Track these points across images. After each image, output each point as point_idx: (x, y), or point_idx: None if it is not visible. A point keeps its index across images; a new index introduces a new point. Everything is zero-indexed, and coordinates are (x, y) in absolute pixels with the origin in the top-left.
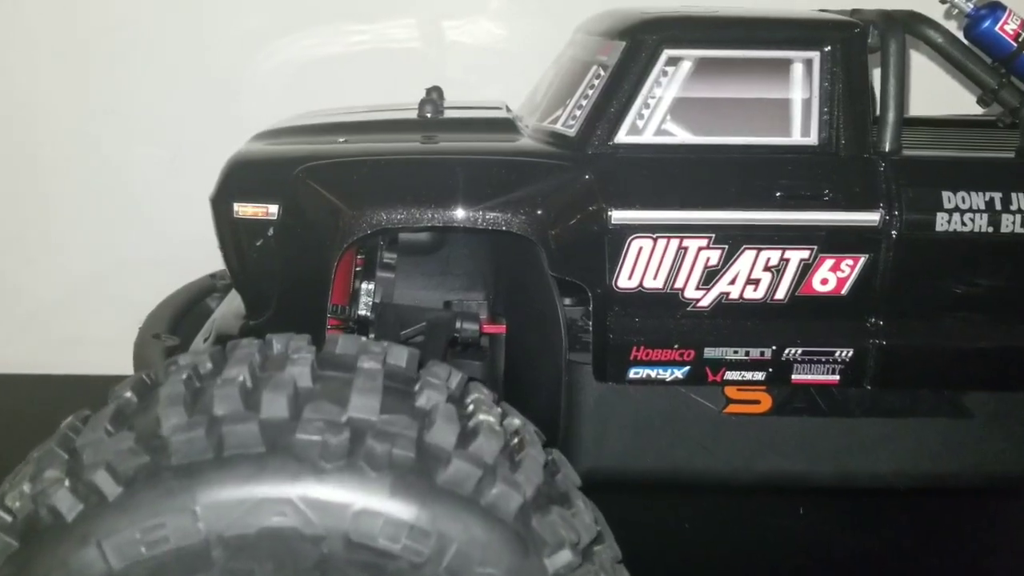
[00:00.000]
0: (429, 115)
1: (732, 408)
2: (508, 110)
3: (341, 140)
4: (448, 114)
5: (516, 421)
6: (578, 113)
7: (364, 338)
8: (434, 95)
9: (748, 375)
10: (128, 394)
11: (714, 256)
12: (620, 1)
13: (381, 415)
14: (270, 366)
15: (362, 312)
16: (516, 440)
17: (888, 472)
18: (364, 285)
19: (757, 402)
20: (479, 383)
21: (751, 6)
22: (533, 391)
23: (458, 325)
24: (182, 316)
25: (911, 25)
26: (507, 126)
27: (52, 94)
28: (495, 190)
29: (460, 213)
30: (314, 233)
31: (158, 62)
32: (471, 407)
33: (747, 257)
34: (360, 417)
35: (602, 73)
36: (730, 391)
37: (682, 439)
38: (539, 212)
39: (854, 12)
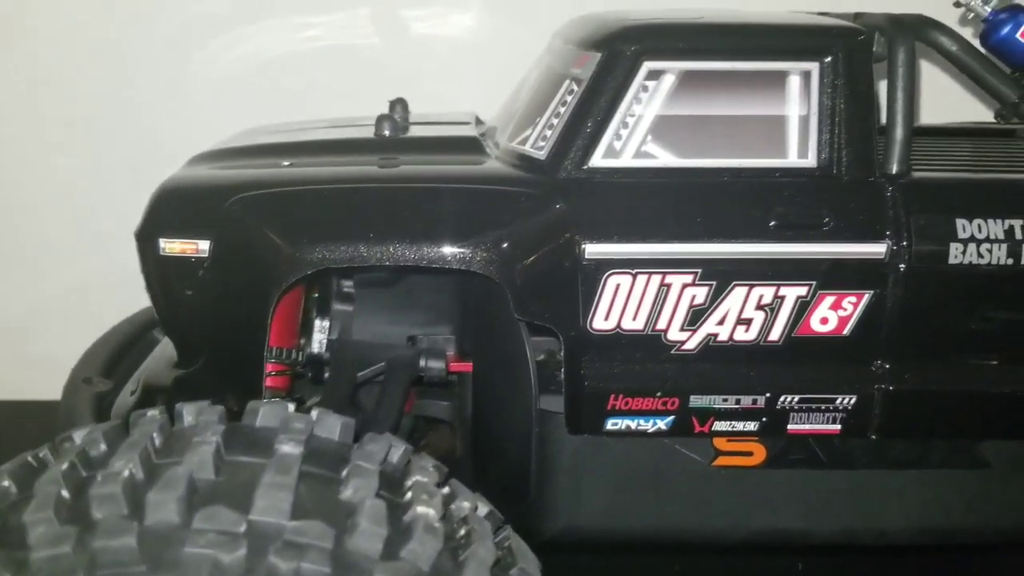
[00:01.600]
0: (387, 133)
1: (722, 461)
2: (478, 123)
3: (286, 164)
4: (412, 130)
5: (465, 505)
6: (549, 133)
7: (291, 406)
8: (397, 109)
9: (739, 425)
10: (6, 483)
11: (700, 294)
12: (603, 4)
13: (292, 519)
14: (172, 448)
15: (316, 350)
16: (462, 532)
17: (896, 528)
18: (318, 321)
19: (750, 454)
20: (424, 456)
21: (745, 10)
22: (502, 441)
23: (422, 363)
24: (122, 353)
25: (921, 31)
26: (472, 146)
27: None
28: (450, 224)
29: (410, 251)
30: (248, 273)
31: (112, 73)
32: (409, 494)
33: (737, 295)
34: (265, 522)
35: (576, 88)
36: (720, 442)
37: (668, 495)
38: (502, 247)
39: (857, 17)
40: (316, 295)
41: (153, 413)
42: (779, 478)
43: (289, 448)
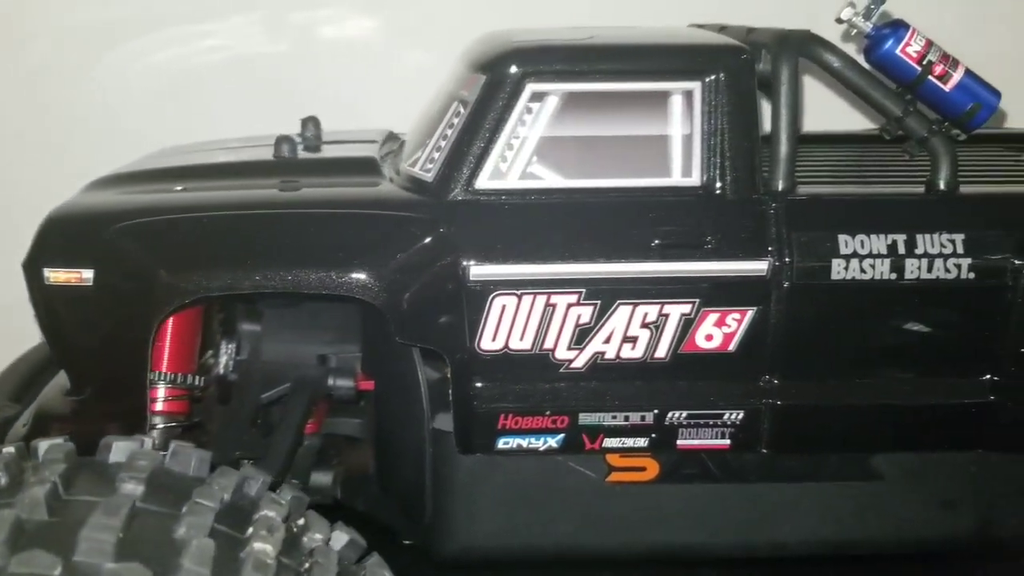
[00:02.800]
0: (286, 154)
1: (616, 477)
2: (391, 139)
3: (178, 189)
4: (317, 150)
5: (317, 537)
6: (436, 155)
7: (145, 440)
8: (309, 126)
9: (629, 442)
10: None
11: (586, 313)
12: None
13: (116, 560)
14: (9, 489)
15: (221, 372)
16: (306, 566)
17: (793, 541)
18: (224, 342)
19: (643, 469)
20: (288, 488)
21: (642, 29)
22: (399, 460)
23: (331, 382)
24: (34, 379)
25: (806, 48)
26: (368, 168)
27: None
28: (326, 250)
29: (286, 278)
30: (129, 301)
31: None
32: (250, 529)
33: (622, 313)
34: (86, 563)
35: (462, 110)
36: (613, 459)
37: (563, 512)
38: (380, 272)
39: (750, 32)
40: (221, 316)
41: (9, 450)
42: (673, 493)
43: (129, 486)
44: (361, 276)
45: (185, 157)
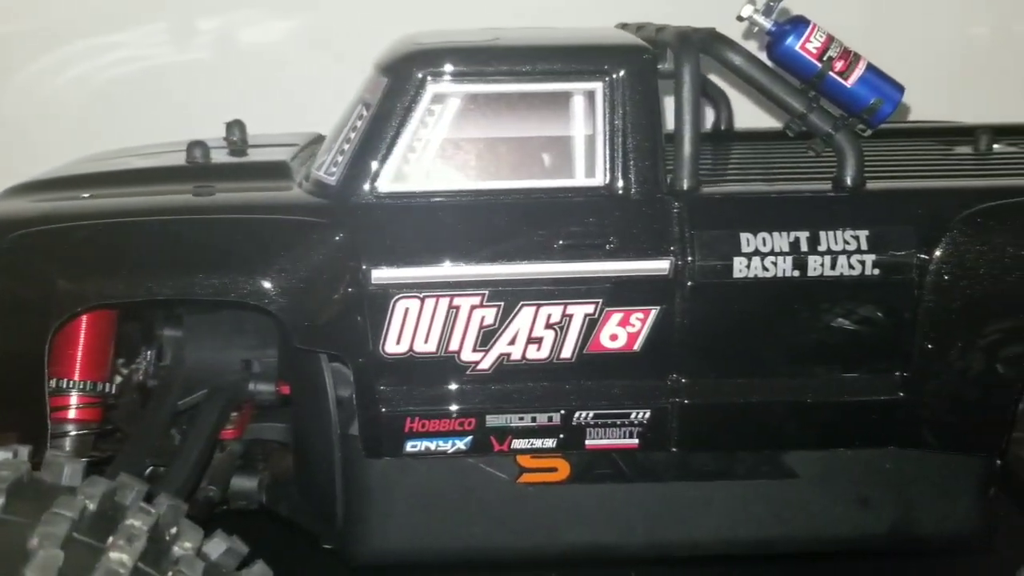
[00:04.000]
0: (199, 159)
1: (527, 477)
2: (317, 142)
3: (85, 196)
4: (248, 154)
5: (187, 546)
6: (340, 159)
7: (19, 450)
8: (235, 131)
9: (538, 442)
10: None
11: (489, 315)
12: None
13: None
14: None
15: (140, 378)
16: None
17: (707, 539)
18: (144, 348)
19: (554, 470)
20: (169, 497)
21: (551, 29)
22: (311, 464)
23: (251, 387)
24: None
25: (708, 46)
26: (278, 172)
27: None
28: (223, 255)
29: (182, 284)
30: (26, 309)
31: None
32: (110, 539)
33: (526, 314)
34: None
35: (365, 113)
36: (523, 460)
37: (476, 514)
38: (277, 278)
39: (659, 31)
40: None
41: None
42: (586, 493)
43: None
44: (255, 282)
45: (101, 164)
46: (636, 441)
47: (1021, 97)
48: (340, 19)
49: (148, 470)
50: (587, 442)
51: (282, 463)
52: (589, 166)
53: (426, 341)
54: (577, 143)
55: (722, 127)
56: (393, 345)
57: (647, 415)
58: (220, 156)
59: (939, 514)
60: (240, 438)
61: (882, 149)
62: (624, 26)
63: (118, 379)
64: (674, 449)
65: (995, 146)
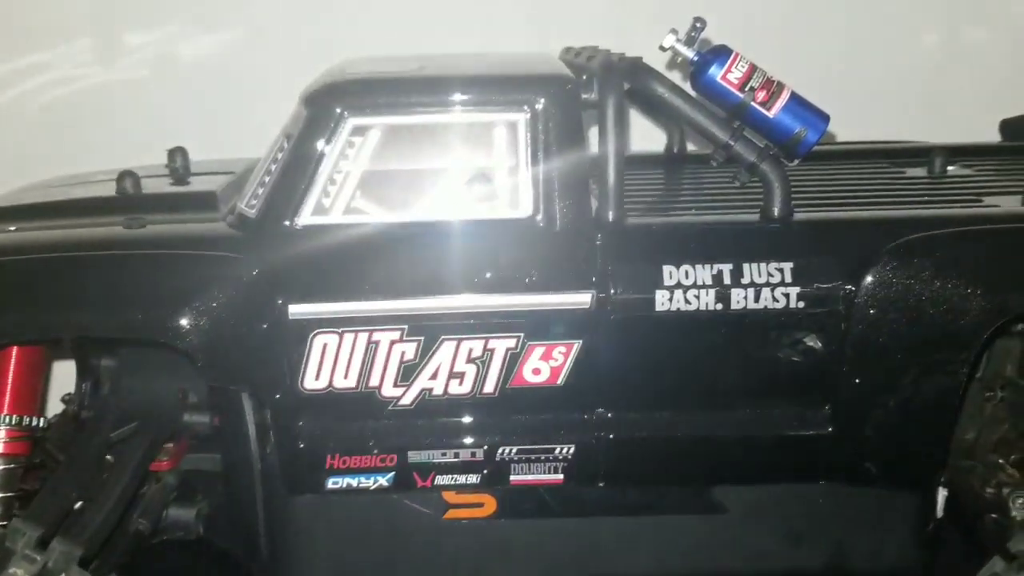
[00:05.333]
0: (129, 190)
1: (453, 513)
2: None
3: (12, 229)
4: (191, 183)
5: None
6: (260, 191)
7: None
8: (177, 157)
9: (461, 478)
10: None
11: (410, 349)
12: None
13: None
14: None
15: (76, 409)
16: None
17: (637, 575)
18: (79, 380)
19: (480, 505)
20: (63, 541)
21: (480, 56)
22: (236, 499)
23: (187, 417)
24: None
25: (633, 76)
26: (205, 204)
27: None
28: (134, 293)
29: (93, 321)
30: None
31: None
32: None
33: (447, 349)
34: None
35: (286, 145)
36: (449, 495)
37: (402, 550)
38: (189, 315)
39: (590, 59)
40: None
41: None
42: (512, 528)
43: None
44: (165, 319)
45: (34, 194)
46: (561, 476)
47: (976, 107)
48: (284, 31)
49: (79, 503)
50: (512, 478)
51: (219, 494)
52: (512, 198)
53: (346, 377)
54: (501, 174)
55: (675, 149)
56: (312, 381)
57: (572, 450)
58: (153, 185)
59: (875, 549)
60: (175, 469)
61: (831, 173)
62: (568, 50)
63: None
64: (601, 484)
65: (950, 168)
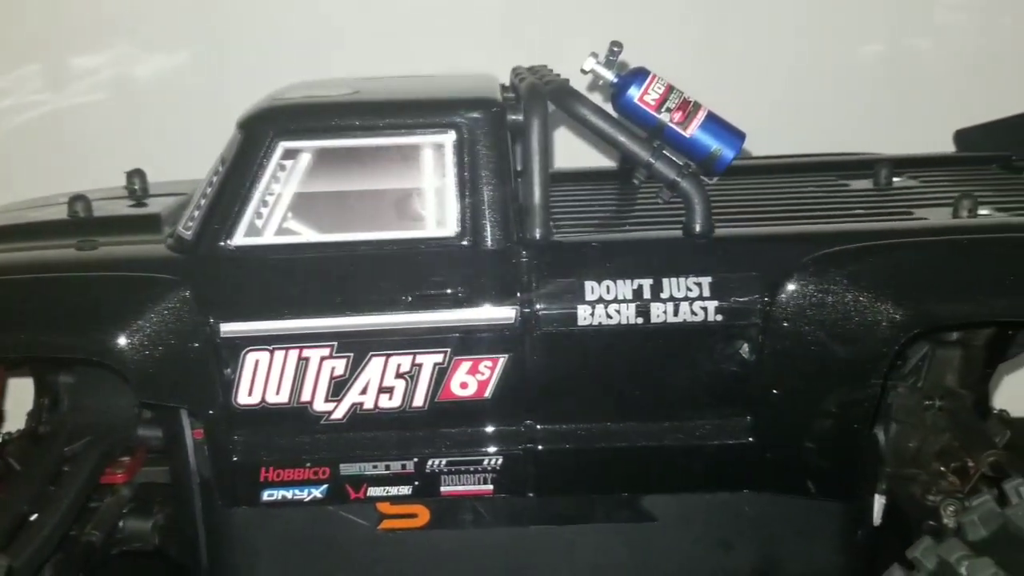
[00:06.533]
0: (80, 213)
1: (388, 524)
2: None
3: None
4: (152, 201)
5: None
6: (196, 214)
7: None
8: (135, 180)
9: (393, 490)
10: None
11: (339, 366)
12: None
13: None
14: None
15: (33, 425)
16: None
17: None
18: (36, 396)
19: (414, 516)
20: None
21: (416, 79)
22: (178, 511)
23: (140, 432)
24: None
25: (557, 99)
26: (148, 226)
27: None
28: (70, 312)
29: (32, 341)
30: None
31: None
32: None
33: (376, 364)
34: None
35: (220, 169)
36: (383, 507)
37: (338, 561)
38: (123, 335)
39: (521, 81)
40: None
41: None
42: (446, 538)
43: None
44: (100, 339)
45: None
46: (491, 487)
47: (918, 114)
48: (238, 52)
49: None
50: (442, 489)
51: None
52: (440, 217)
53: (278, 392)
54: (428, 195)
55: (627, 165)
56: (245, 397)
57: (501, 462)
58: (105, 208)
59: (803, 557)
60: (130, 482)
61: (774, 186)
62: (517, 70)
63: None
64: (531, 494)
65: (895, 180)
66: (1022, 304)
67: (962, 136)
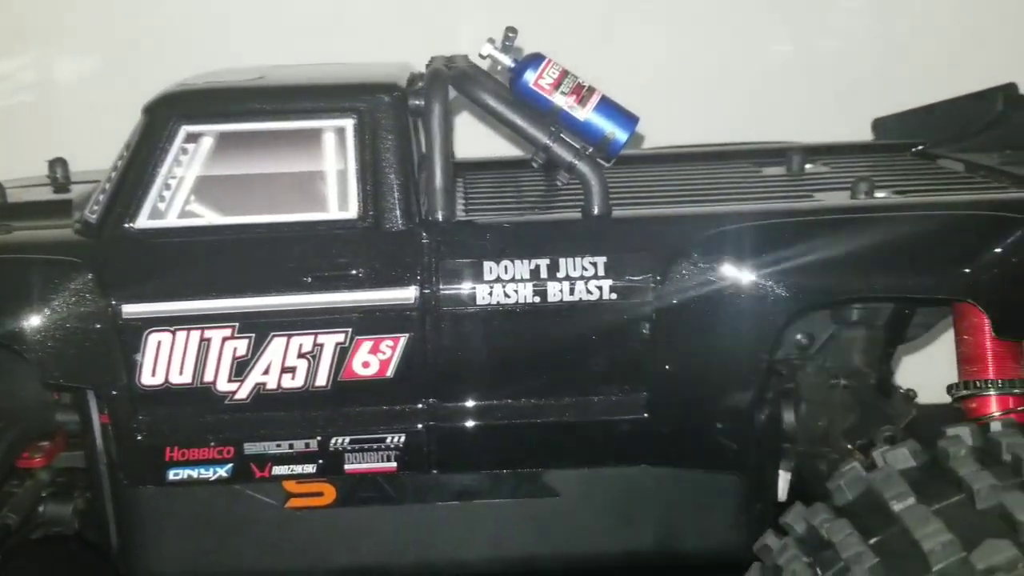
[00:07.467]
0: None
1: (294, 502)
2: None
3: None
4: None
5: None
6: (102, 198)
7: None
8: (57, 168)
9: (298, 468)
10: None
11: (241, 346)
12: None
13: None
14: None
15: None
16: None
17: (475, 559)
18: None
19: (320, 494)
20: None
21: (324, 66)
22: (91, 492)
23: (59, 417)
24: None
25: (457, 84)
26: (59, 211)
27: None
28: None
29: None
30: None
31: None
32: None
33: (277, 345)
34: None
35: (125, 153)
36: (289, 485)
37: (246, 539)
38: (24, 317)
39: (427, 66)
40: None
41: None
42: (353, 516)
43: None
44: (4, 321)
45: None
46: (394, 464)
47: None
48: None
49: None
50: (346, 467)
51: None
52: (342, 200)
53: (181, 373)
54: (330, 178)
55: None
56: (149, 377)
57: (403, 439)
58: (20, 195)
59: (702, 530)
60: (49, 466)
61: (689, 173)
62: (433, 59)
63: None
64: (434, 471)
65: (808, 166)
66: (902, 280)
67: (879, 125)
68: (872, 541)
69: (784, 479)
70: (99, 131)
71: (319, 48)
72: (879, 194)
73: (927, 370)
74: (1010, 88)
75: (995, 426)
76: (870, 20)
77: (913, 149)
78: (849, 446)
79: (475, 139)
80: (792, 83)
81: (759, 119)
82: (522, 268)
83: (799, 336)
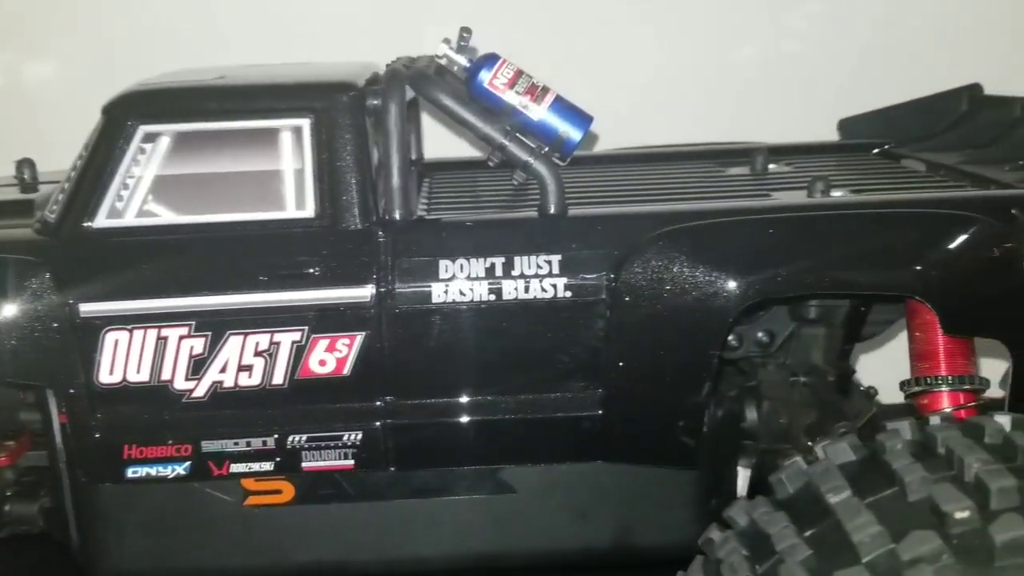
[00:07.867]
0: None
1: (253, 500)
2: None
3: None
4: (42, 188)
5: None
6: (61, 197)
7: None
8: (25, 169)
9: (256, 466)
10: None
11: (198, 344)
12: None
13: None
14: None
15: None
16: None
17: (433, 555)
18: None
19: (279, 492)
20: None
21: (286, 65)
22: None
23: (23, 416)
24: None
25: (415, 84)
26: (20, 211)
27: None
28: None
29: None
30: None
31: None
32: None
33: (234, 343)
34: None
35: (84, 153)
36: (248, 483)
37: (205, 537)
38: None
39: (389, 66)
40: None
41: None
42: (312, 513)
43: None
44: None
45: None
46: (352, 462)
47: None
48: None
49: None
50: (304, 464)
51: None
52: (299, 199)
53: (138, 371)
54: (288, 177)
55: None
56: (106, 376)
57: (359, 437)
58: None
59: (658, 525)
60: (14, 465)
61: (651, 173)
62: (398, 59)
63: None
64: (392, 468)
65: (771, 166)
66: (852, 277)
67: (845, 125)
68: (807, 533)
69: (743, 475)
70: (68, 132)
71: (297, 50)
72: (835, 193)
73: (891, 369)
74: (975, 88)
75: (933, 420)
76: (836, 24)
77: (876, 149)
78: (810, 443)
79: (448, 140)
80: (761, 85)
81: (731, 120)
82: (477, 266)
83: (760, 334)
